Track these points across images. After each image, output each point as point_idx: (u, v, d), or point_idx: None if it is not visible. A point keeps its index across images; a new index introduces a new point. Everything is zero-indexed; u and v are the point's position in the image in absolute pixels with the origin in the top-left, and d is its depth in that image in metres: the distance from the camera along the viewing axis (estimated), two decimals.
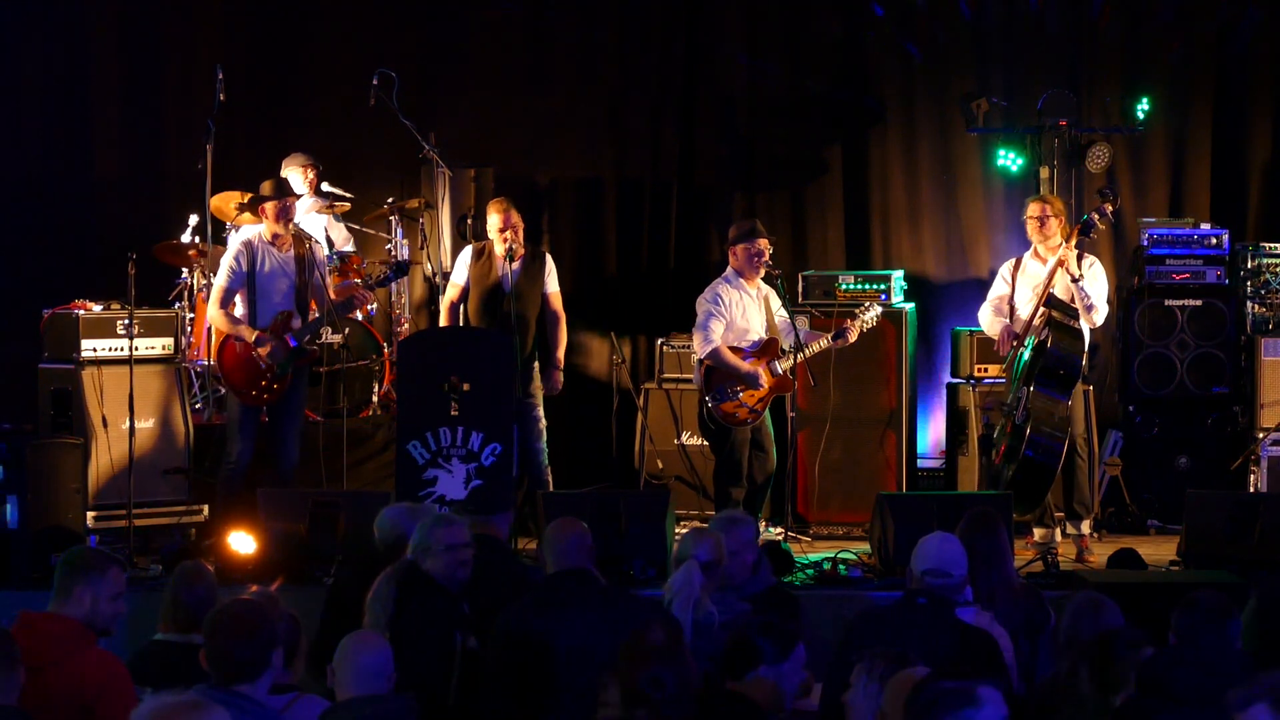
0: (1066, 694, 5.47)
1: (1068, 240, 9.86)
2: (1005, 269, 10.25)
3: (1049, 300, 9.82)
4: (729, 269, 10.17)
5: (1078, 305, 9.81)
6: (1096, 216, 9.94)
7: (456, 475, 9.37)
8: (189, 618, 6.32)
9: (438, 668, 6.43)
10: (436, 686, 6.38)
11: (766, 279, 10.15)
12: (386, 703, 5.10)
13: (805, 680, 5.59)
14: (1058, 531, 10.15)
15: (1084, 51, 12.25)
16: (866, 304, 10.41)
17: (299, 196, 10.62)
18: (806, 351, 10.00)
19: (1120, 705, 5.16)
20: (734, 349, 9.98)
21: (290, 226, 10.00)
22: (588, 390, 12.12)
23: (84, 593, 5.88)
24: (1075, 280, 9.79)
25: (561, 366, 10.41)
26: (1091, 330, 10.00)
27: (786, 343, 10.03)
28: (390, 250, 11.88)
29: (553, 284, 10.47)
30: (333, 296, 10.17)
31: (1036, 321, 9.84)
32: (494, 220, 10.33)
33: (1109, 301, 10.07)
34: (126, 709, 5.62)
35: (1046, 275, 9.89)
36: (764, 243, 10.05)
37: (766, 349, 10.03)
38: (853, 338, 10.14)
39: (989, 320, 10.17)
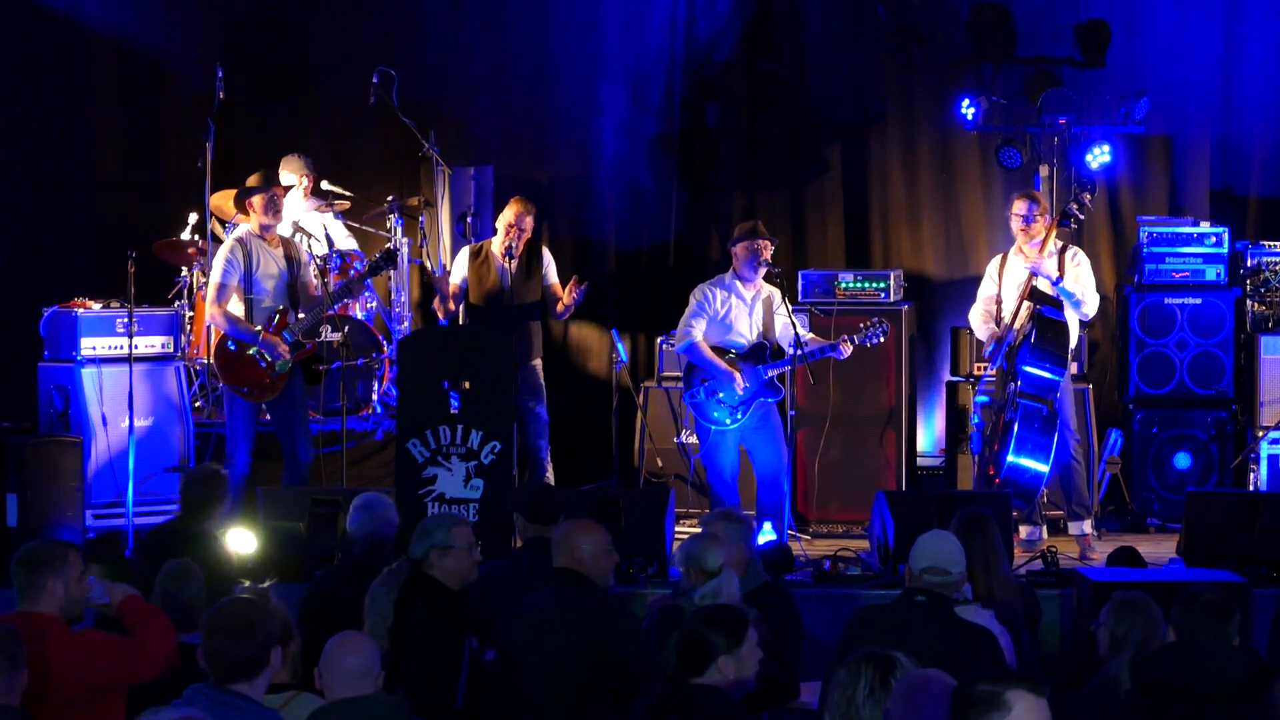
0: (1112, 696, 5.44)
1: (1044, 239, 9.90)
2: (992, 267, 10.31)
3: (1032, 294, 9.85)
4: (730, 269, 10.15)
5: (1066, 305, 9.87)
6: (1076, 207, 10.00)
7: (456, 473, 9.37)
8: (177, 618, 6.31)
9: (445, 673, 6.39)
10: (443, 692, 6.35)
11: (768, 279, 10.12)
12: (377, 703, 5.07)
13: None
14: (1044, 529, 10.16)
15: (1084, 49, 12.23)
16: (875, 320, 10.21)
17: (288, 189, 10.55)
18: (806, 351, 9.93)
19: (1120, 703, 5.16)
20: (718, 348, 9.95)
21: (278, 218, 9.97)
22: (588, 389, 12.11)
23: (56, 585, 5.88)
24: (1055, 283, 9.84)
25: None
26: (1091, 328, 9.98)
27: (787, 345, 9.99)
28: (389, 245, 11.86)
29: (553, 276, 10.55)
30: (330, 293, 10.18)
31: (1020, 318, 9.86)
32: (507, 214, 10.31)
33: (1096, 291, 10.14)
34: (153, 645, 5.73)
35: (1024, 283, 9.91)
36: (763, 243, 10.00)
37: (752, 352, 9.97)
38: (846, 351, 10.04)
39: (979, 324, 10.23)
